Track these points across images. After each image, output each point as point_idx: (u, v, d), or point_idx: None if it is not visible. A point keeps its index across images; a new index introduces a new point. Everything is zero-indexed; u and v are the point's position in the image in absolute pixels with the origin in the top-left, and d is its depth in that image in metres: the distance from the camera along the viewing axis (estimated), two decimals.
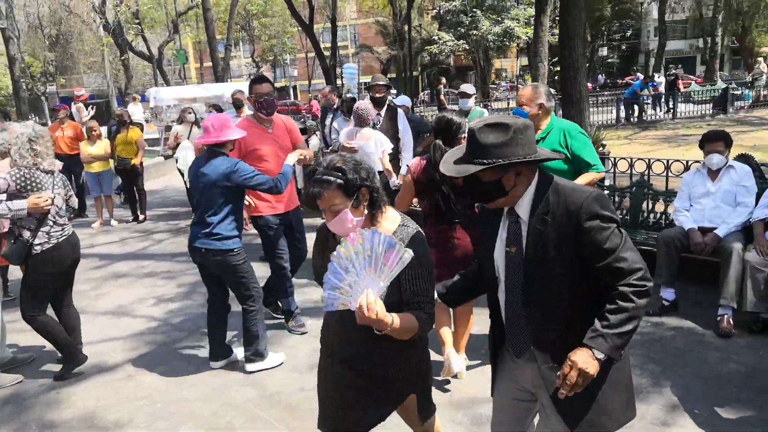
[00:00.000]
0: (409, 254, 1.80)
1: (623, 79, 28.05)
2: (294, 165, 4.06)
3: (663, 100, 20.26)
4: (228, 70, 28.30)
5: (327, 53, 26.33)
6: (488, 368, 2.25)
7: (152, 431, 3.43)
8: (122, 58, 26.87)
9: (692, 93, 20.87)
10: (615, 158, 5.85)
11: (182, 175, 8.60)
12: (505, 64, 39.62)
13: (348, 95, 7.92)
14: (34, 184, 3.82)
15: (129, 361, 4.36)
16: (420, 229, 2.11)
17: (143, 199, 9.30)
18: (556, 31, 20.34)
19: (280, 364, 4.07)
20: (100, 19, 22.34)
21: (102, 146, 8.84)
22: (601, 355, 1.79)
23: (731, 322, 4.10)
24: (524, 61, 33.31)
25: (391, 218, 2.11)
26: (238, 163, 3.75)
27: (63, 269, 4.04)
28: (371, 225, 2.02)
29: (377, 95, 6.14)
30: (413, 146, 6.20)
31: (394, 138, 5.90)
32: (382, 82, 6.25)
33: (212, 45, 27.06)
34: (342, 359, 2.18)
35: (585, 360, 1.79)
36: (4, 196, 3.80)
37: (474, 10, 21.78)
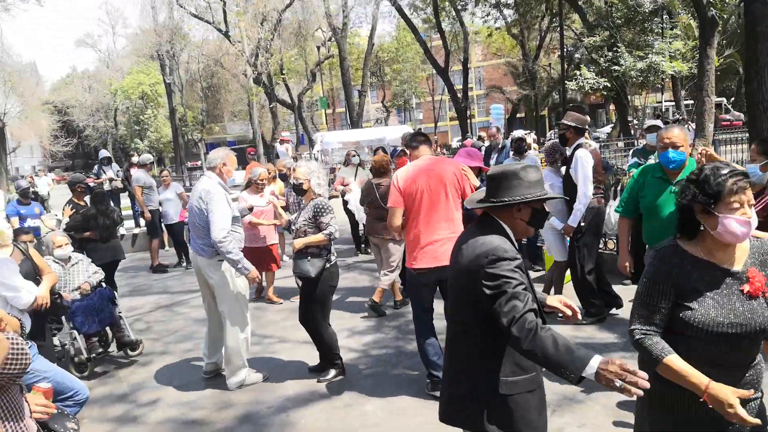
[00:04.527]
0: None
1: None
2: None
3: None
4: (362, 115, 29.66)
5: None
6: None
7: None
8: (271, 106, 29.04)
9: None
10: None
11: (352, 215, 9.01)
12: (640, 101, 37.87)
13: (516, 134, 7.94)
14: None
15: (343, 389, 4.54)
16: None
17: None
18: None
19: None
20: (253, 72, 24.32)
21: None
22: None
23: None
24: (665, 96, 31.65)
25: None
26: None
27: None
28: None
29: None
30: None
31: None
32: (566, 122, 6.07)
33: (348, 91, 28.55)
34: None
35: None
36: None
37: (617, 45, 21.13)
